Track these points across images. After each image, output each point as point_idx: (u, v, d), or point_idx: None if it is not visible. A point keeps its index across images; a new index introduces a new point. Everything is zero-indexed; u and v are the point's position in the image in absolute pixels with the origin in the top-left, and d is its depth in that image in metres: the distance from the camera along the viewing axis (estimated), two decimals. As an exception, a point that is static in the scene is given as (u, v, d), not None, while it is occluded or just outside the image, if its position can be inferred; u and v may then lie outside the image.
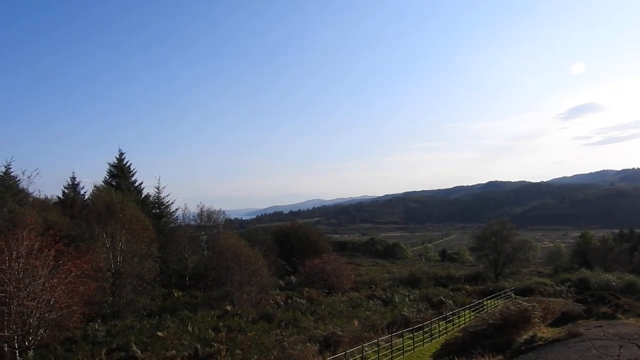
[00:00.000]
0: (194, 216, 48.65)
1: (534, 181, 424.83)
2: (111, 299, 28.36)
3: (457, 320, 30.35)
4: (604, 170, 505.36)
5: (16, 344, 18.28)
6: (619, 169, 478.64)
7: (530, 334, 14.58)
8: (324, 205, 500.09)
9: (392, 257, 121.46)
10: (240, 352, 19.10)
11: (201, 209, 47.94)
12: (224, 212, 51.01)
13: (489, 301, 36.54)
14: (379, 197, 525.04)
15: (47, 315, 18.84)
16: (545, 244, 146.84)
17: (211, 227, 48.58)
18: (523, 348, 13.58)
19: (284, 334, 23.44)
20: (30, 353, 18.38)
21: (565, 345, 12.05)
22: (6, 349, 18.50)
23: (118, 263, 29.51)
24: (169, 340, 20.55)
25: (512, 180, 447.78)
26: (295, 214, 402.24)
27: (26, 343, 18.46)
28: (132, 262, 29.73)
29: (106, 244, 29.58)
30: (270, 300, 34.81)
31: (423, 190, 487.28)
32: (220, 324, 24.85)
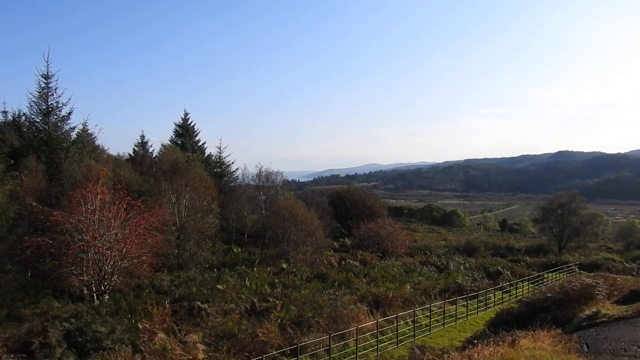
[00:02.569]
0: (252, 177, 50.01)
1: (609, 152, 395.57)
2: (176, 251, 30.15)
3: (514, 292, 29.60)
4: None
5: (94, 288, 20.05)
6: None
7: (594, 309, 13.92)
8: (381, 170, 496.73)
9: (449, 224, 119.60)
10: (294, 308, 19.80)
11: (260, 169, 49.11)
12: (281, 174, 51.94)
13: (549, 274, 35.25)
14: (438, 163, 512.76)
15: (120, 263, 20.41)
16: (618, 219, 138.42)
17: (269, 187, 49.78)
18: (584, 324, 13.02)
19: (337, 293, 23.95)
20: (106, 297, 20.12)
21: (631, 324, 11.42)
22: (85, 291, 20.36)
23: (182, 218, 31.14)
24: (228, 294, 21.64)
25: (585, 151, 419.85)
26: (351, 178, 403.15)
27: (102, 287, 20.19)
28: (195, 218, 31.26)
29: (172, 200, 31.21)
30: (325, 261, 35.52)
31: (485, 158, 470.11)
32: (276, 281, 25.79)
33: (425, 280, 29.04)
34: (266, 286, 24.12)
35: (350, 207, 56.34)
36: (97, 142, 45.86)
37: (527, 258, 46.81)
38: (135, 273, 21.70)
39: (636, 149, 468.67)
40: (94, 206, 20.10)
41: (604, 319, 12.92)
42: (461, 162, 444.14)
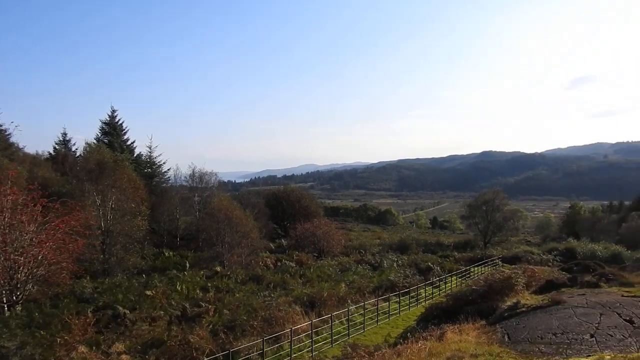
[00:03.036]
0: (185, 177, 48.38)
1: (528, 152, 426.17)
2: (102, 256, 28.40)
3: (444, 286, 30.83)
4: (598, 142, 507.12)
5: (4, 298, 18.30)
6: (614, 141, 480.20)
7: (514, 300, 14.76)
8: (318, 171, 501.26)
9: (383, 223, 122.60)
10: (228, 312, 19.28)
11: (193, 170, 47.58)
12: (216, 174, 50.71)
13: (476, 268, 37.10)
14: (373, 163, 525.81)
15: (35, 270, 18.78)
16: (536, 214, 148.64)
17: (203, 188, 48.39)
18: (506, 314, 13.75)
19: (272, 295, 23.66)
20: (18, 307, 18.44)
21: (547, 312, 12.18)
22: (-6, 302, 18.54)
23: (108, 221, 29.39)
24: (158, 299, 20.66)
25: (507, 151, 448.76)
26: (289, 178, 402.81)
27: (14, 297, 18.48)
28: (122, 221, 29.63)
29: (97, 202, 29.38)
30: (260, 263, 35.08)
31: (417, 158, 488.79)
32: (209, 284, 25.03)
33: (359, 279, 29.47)
34: (198, 290, 23.35)
35: (287, 207, 56.14)
36: (12, 140, 42.32)
37: (456, 253, 48.93)
38: (54, 281, 20.09)
39: (551, 148, 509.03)
40: (2, 208, 18.34)
41: (524, 309, 13.71)
42: (395, 162, 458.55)
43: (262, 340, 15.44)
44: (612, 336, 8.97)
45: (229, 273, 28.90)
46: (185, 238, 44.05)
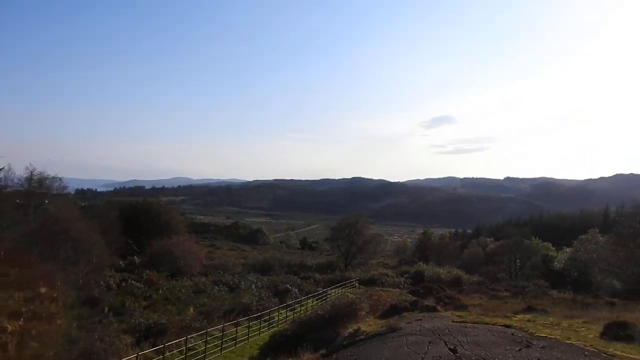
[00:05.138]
0: (19, 180, 41.52)
1: (392, 180, 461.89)
2: None
3: (300, 309, 30.35)
4: (450, 176, 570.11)
5: None
6: (462, 176, 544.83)
7: (355, 327, 14.49)
8: (191, 185, 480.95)
9: (254, 242, 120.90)
10: (37, 344, 16.03)
11: (31, 172, 41.04)
12: (60, 179, 44.45)
13: (333, 290, 37.52)
14: (248, 181, 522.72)
15: None
16: (395, 239, 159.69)
17: (41, 195, 42.01)
18: (345, 342, 13.33)
19: (104, 321, 20.69)
20: None
21: (382, 341, 11.95)
22: None
23: None
24: (-57, 329, 16.48)
25: (374, 178, 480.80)
26: (158, 191, 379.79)
27: None
28: None
29: None
30: (102, 283, 31.10)
31: (292, 179, 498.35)
32: (24, 309, 20.96)
33: (211, 302, 27.59)
34: (2, 318, 19.28)
35: (145, 222, 51.64)
36: None
37: (317, 275, 49.47)
38: None
39: (412, 179, 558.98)
40: None
41: (362, 337, 13.40)
42: (270, 182, 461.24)
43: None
44: (434, 368, 8.77)
45: (55, 295, 24.75)
46: (13, 252, 37.48)
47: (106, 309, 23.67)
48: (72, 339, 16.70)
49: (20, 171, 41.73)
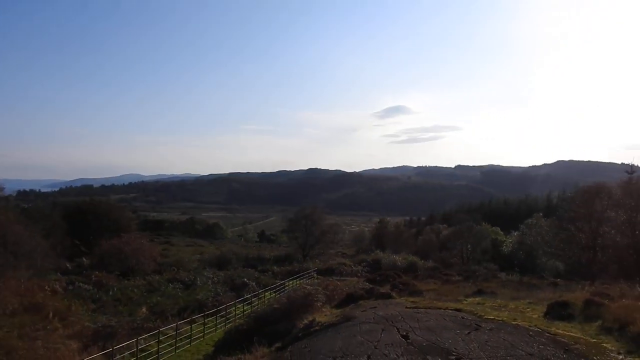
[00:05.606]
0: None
1: (348, 171, 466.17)
2: None
3: (257, 303, 30.06)
4: (404, 165, 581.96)
5: None
6: (415, 165, 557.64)
7: (310, 318, 14.45)
8: (143, 181, 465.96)
9: (211, 237, 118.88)
10: (-30, 356, 14.97)
11: (-38, 173, 38.34)
12: (-4, 181, 41.80)
13: (291, 282, 37.44)
14: (203, 175, 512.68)
15: None
16: (353, 228, 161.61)
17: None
18: (300, 334, 13.26)
19: (48, 327, 19.61)
20: None
21: (336, 331, 11.95)
22: None
23: None
24: None
25: (330, 169, 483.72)
26: (108, 189, 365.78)
27: None
28: None
29: None
30: (46, 287, 29.42)
31: (248, 172, 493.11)
32: (-43, 320, 19.57)
33: (165, 300, 26.79)
34: None
35: (93, 221, 49.50)
36: None
37: (275, 267, 49.22)
38: None
39: (367, 168, 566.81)
40: None
41: (317, 327, 13.37)
42: (226, 175, 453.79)
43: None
44: (386, 356, 8.86)
45: (-7, 303, 23.24)
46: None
47: (51, 314, 22.41)
48: (11, 349, 15.67)
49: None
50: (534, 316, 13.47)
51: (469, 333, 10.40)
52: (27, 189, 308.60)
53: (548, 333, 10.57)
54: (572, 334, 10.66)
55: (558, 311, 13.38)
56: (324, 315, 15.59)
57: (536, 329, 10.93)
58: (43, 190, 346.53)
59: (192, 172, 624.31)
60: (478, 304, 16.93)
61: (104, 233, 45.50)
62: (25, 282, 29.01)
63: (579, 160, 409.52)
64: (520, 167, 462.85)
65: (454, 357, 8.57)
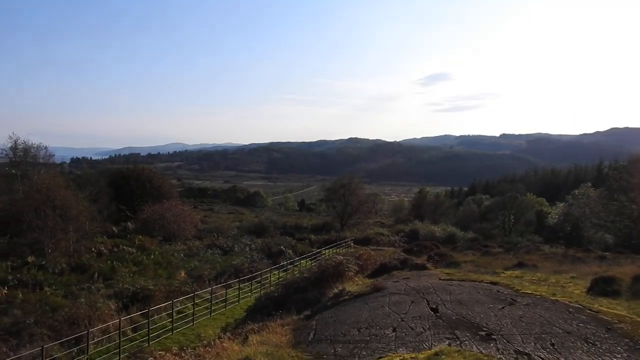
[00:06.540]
0: (4, 150, 40.75)
1: (388, 140, 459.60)
2: None
3: (293, 270, 30.37)
4: (446, 134, 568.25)
5: None
6: (458, 134, 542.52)
7: (340, 288, 14.28)
8: (187, 150, 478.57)
9: (252, 205, 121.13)
10: (19, 312, 15.87)
11: (15, 141, 40.27)
12: (45, 148, 43.66)
13: (327, 250, 37.56)
14: (244, 145, 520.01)
15: None
16: (393, 198, 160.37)
17: (28, 163, 41.35)
18: (329, 303, 13.13)
19: (92, 287, 20.56)
20: None
21: (364, 301, 11.72)
22: None
23: None
24: None
25: (370, 138, 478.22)
26: (154, 157, 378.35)
27: None
28: None
29: None
30: (93, 249, 30.90)
31: (288, 142, 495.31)
32: (10, 277, 20.82)
33: (203, 265, 27.49)
34: (-13, 287, 19.15)
35: (136, 188, 51.13)
36: None
37: (312, 236, 49.52)
38: None
39: (407, 138, 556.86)
40: None
41: (346, 297, 13.19)
42: (266, 145, 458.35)
43: (42, 348, 12.51)
44: (412, 329, 8.51)
45: (43, 262, 24.61)
46: (4, 221, 37.18)
47: (96, 274, 23.52)
48: (57, 306, 16.51)
49: (2, 140, 40.95)
50: (576, 291, 12.72)
51: (502, 308, 9.88)
52: (80, 157, 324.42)
53: (589, 310, 9.88)
54: (616, 311, 9.92)
55: (602, 287, 12.58)
56: (355, 284, 15.39)
57: (577, 306, 10.25)
58: (94, 157, 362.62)
59: (234, 142, 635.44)
60: (516, 277, 16.24)
61: (147, 199, 46.98)
62: (73, 244, 30.57)
63: (635, 127, 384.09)
64: (570, 135, 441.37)
65: (484, 332, 8.13)
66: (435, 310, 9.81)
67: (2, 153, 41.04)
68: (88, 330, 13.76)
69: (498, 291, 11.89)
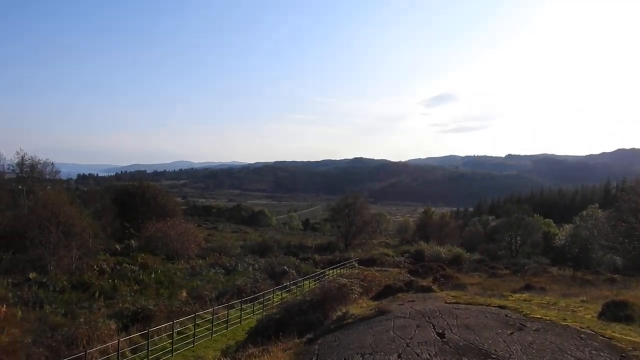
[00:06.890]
0: (11, 166, 40.98)
1: (393, 160, 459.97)
2: None
3: (296, 291, 29.97)
4: (452, 155, 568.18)
5: None
6: (463, 154, 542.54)
7: (344, 310, 13.93)
8: (193, 168, 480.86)
9: (256, 224, 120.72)
10: (16, 331, 15.61)
11: (22, 157, 40.52)
12: (52, 164, 43.91)
13: (331, 271, 37.13)
14: (250, 163, 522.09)
15: None
16: (397, 218, 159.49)
17: (37, 180, 41.54)
18: (332, 326, 12.78)
19: (93, 306, 20.29)
20: None
21: (369, 325, 11.38)
22: None
23: None
24: None
25: (375, 158, 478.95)
26: (160, 175, 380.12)
27: None
28: None
29: None
30: (95, 267, 30.66)
31: (293, 161, 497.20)
32: (11, 295, 20.60)
33: (205, 284, 27.14)
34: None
35: (141, 205, 51.15)
36: None
37: (316, 256, 49.11)
38: None
39: (413, 158, 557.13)
40: None
41: (350, 320, 12.84)
42: (271, 164, 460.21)
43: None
44: (418, 355, 8.20)
45: (44, 280, 24.40)
46: (7, 237, 37.13)
47: (97, 293, 23.25)
48: (56, 325, 16.25)
49: (10, 156, 41.25)
50: (587, 316, 12.32)
51: (511, 333, 9.53)
52: (87, 173, 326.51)
53: (602, 336, 9.52)
54: (630, 338, 9.55)
55: (615, 312, 12.17)
56: (359, 307, 15.03)
57: (589, 332, 9.89)
58: (101, 174, 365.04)
59: (239, 160, 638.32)
60: (524, 300, 15.82)
61: (151, 216, 46.90)
62: (76, 261, 30.37)
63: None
64: (576, 155, 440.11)
65: (492, 359, 7.81)
66: (441, 335, 9.48)
67: (9, 168, 41.28)
68: (86, 351, 13.49)
69: (506, 315, 11.52)
